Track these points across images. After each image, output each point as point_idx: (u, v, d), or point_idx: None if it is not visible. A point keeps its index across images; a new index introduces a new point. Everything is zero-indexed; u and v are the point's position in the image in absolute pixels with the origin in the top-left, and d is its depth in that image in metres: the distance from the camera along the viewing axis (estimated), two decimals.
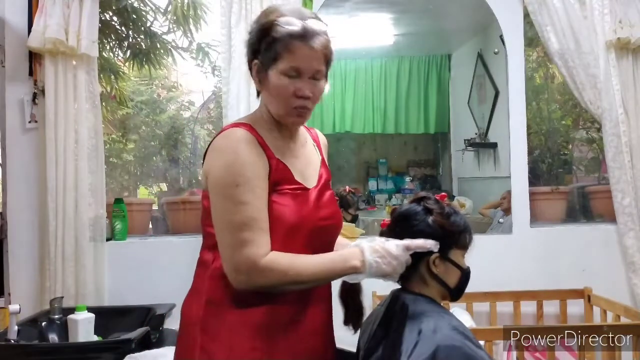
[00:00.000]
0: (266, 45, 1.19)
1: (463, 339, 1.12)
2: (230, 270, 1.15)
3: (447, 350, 1.09)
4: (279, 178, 1.21)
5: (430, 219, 1.23)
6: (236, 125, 1.23)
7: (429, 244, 1.19)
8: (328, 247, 1.31)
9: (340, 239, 1.37)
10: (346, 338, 1.33)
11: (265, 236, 1.15)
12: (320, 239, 1.27)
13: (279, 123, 1.26)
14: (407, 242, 1.18)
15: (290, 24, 1.17)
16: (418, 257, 1.21)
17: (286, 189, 1.21)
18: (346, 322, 1.28)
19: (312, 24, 1.18)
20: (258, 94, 1.29)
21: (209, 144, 1.24)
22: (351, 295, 1.27)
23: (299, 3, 2.46)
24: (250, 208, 1.14)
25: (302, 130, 1.35)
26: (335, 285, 1.27)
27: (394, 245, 1.17)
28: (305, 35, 1.17)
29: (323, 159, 1.38)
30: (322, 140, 1.43)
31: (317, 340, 1.26)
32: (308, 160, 1.32)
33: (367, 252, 1.16)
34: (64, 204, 2.33)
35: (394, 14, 3.85)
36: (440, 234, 1.22)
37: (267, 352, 1.17)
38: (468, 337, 1.14)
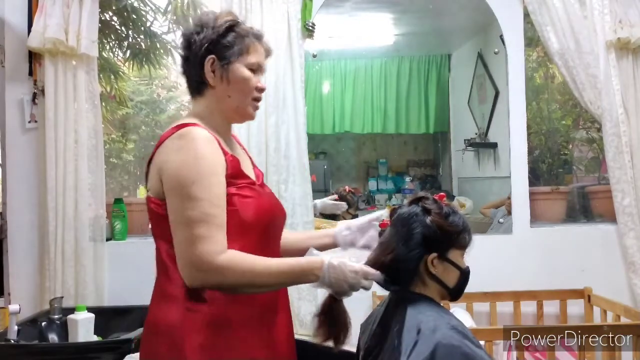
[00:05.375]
0: (232, 39, 1.25)
1: (462, 339, 1.12)
2: (185, 266, 1.13)
3: (446, 349, 1.09)
4: (236, 172, 1.23)
5: (428, 220, 1.23)
6: (186, 124, 1.22)
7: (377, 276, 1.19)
8: (278, 240, 1.35)
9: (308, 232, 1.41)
10: None
11: (221, 233, 1.14)
12: (274, 232, 1.31)
13: (222, 122, 1.29)
14: (366, 269, 1.17)
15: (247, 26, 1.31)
16: (416, 258, 1.21)
17: (243, 183, 1.23)
18: (326, 338, 1.19)
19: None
20: (199, 90, 1.28)
21: (157, 147, 1.23)
22: (336, 310, 1.19)
23: (299, 3, 2.46)
24: (206, 204, 1.14)
25: None
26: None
27: (352, 271, 1.15)
28: (261, 36, 1.32)
29: (251, 159, 1.41)
30: (241, 140, 1.47)
31: (286, 347, 1.29)
32: (243, 157, 1.35)
33: (325, 268, 1.15)
34: (64, 204, 2.33)
35: (394, 14, 3.85)
36: (439, 234, 1.22)
37: (244, 354, 1.19)
38: (467, 337, 1.14)
